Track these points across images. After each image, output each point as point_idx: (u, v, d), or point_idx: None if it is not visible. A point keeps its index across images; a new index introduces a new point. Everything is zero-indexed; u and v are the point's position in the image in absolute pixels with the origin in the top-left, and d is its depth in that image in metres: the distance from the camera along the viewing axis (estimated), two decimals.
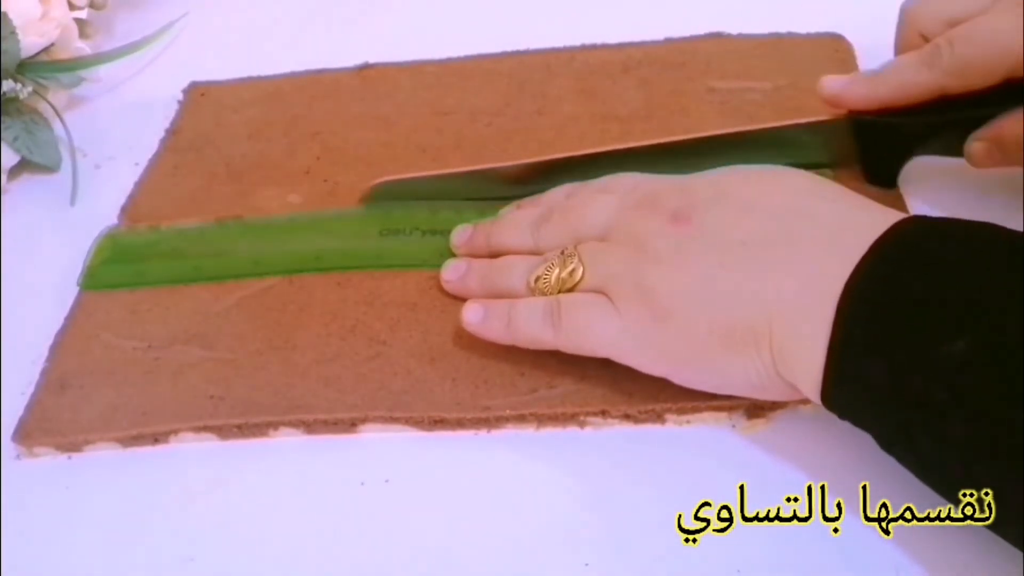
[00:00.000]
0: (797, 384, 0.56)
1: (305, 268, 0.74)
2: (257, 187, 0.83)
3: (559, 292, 0.64)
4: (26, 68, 0.89)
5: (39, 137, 0.89)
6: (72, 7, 0.94)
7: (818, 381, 0.54)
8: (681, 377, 0.61)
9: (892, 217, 0.56)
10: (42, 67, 0.91)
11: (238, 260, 0.76)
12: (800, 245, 0.57)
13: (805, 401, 0.61)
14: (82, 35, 0.96)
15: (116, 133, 0.93)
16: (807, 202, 0.59)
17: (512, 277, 0.68)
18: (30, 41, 0.88)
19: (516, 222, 0.71)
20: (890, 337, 0.52)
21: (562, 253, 0.65)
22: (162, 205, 0.83)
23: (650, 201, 0.63)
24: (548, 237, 0.68)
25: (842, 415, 0.55)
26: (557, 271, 0.64)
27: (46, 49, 0.90)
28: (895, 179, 0.72)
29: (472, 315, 0.66)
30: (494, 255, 0.71)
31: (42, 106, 0.90)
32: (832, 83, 0.71)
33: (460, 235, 0.73)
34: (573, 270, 0.63)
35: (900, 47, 0.72)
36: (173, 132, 0.90)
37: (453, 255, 0.73)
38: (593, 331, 0.62)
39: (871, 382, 0.52)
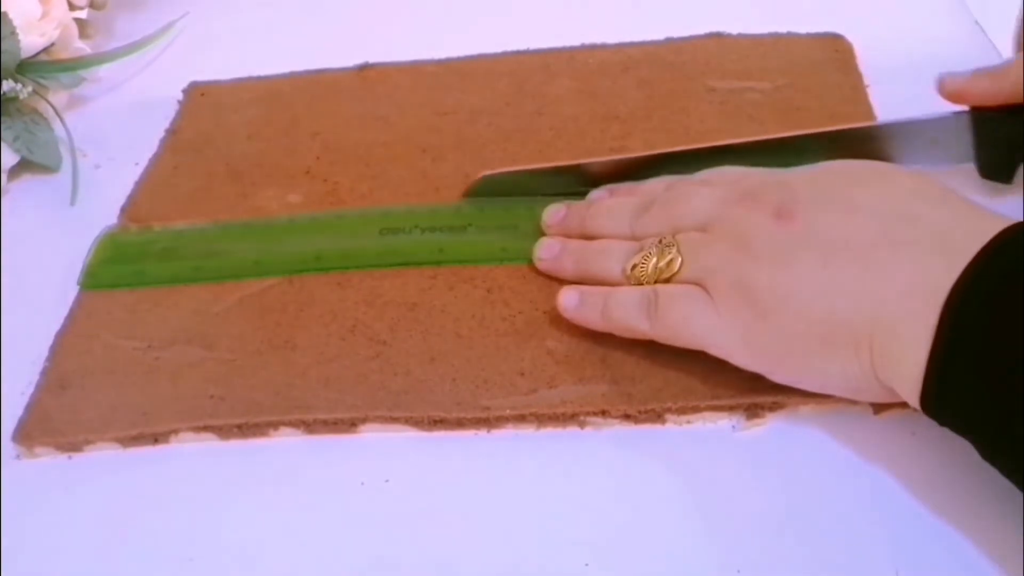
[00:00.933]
0: (895, 388, 0.55)
1: (306, 268, 0.74)
2: (257, 187, 0.83)
3: (656, 282, 0.64)
4: (26, 68, 0.89)
5: (39, 137, 0.89)
6: (72, 7, 0.95)
7: (918, 386, 0.53)
8: (777, 375, 0.60)
9: (1000, 223, 0.54)
10: (42, 67, 0.91)
11: (238, 260, 0.76)
12: (905, 248, 0.56)
13: (804, 402, 0.62)
14: (82, 35, 0.96)
15: (116, 133, 0.93)
16: (913, 204, 0.58)
17: (608, 262, 0.68)
18: (30, 41, 0.88)
19: (614, 208, 0.71)
20: (996, 346, 0.51)
21: (660, 242, 0.64)
22: (162, 205, 0.83)
23: (753, 195, 0.63)
24: (647, 226, 0.67)
25: (941, 422, 0.54)
26: (655, 260, 0.64)
27: (46, 49, 0.90)
28: (1012, 175, 0.72)
29: (568, 300, 0.67)
30: (587, 238, 0.71)
31: (42, 106, 0.90)
32: (954, 79, 0.71)
33: (553, 215, 0.73)
34: (671, 260, 0.63)
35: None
36: (173, 132, 0.90)
37: (453, 252, 0.74)
38: (690, 324, 0.61)
39: (974, 391, 0.51)
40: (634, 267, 0.65)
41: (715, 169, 0.69)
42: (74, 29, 0.94)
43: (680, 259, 0.63)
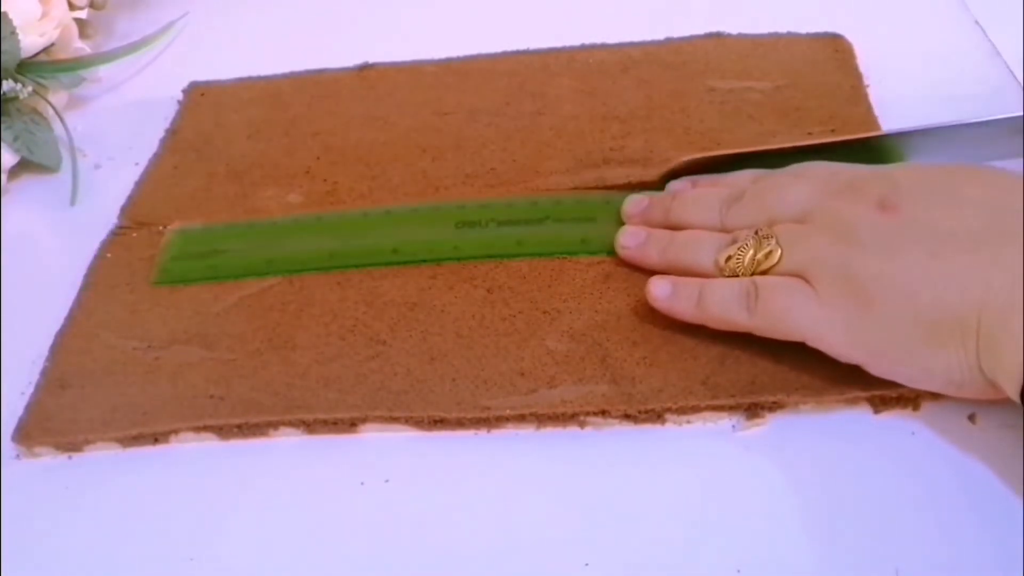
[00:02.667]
0: (999, 381, 0.54)
1: (382, 261, 0.74)
2: (257, 187, 0.83)
3: (752, 273, 0.63)
4: (26, 68, 0.89)
5: (39, 137, 0.89)
6: (72, 7, 0.95)
7: (1020, 378, 0.52)
8: (879, 367, 0.59)
9: None
10: (42, 67, 0.91)
11: (313, 253, 0.76)
12: (1011, 239, 0.55)
13: (804, 402, 0.62)
14: (82, 35, 0.96)
15: (116, 133, 0.93)
16: (1018, 198, 0.58)
17: (698, 252, 0.66)
18: (30, 41, 0.88)
19: (701, 199, 0.70)
20: None
21: (756, 234, 0.64)
22: (162, 205, 0.83)
23: (854, 188, 0.62)
24: (739, 217, 0.66)
25: None
26: (752, 252, 0.63)
27: (46, 49, 0.91)
28: None
29: (660, 291, 0.66)
30: (671, 229, 0.70)
31: (42, 106, 0.90)
32: None
33: (635, 204, 0.72)
34: (770, 252, 0.62)
35: None
36: (173, 132, 0.91)
37: (532, 245, 0.74)
38: (792, 316, 0.60)
39: None
40: (728, 259, 0.64)
41: (805, 163, 0.68)
42: (74, 29, 0.94)
43: (779, 251, 0.62)
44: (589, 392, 0.64)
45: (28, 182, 0.89)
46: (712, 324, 0.64)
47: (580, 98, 0.86)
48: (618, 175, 0.78)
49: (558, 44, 0.91)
